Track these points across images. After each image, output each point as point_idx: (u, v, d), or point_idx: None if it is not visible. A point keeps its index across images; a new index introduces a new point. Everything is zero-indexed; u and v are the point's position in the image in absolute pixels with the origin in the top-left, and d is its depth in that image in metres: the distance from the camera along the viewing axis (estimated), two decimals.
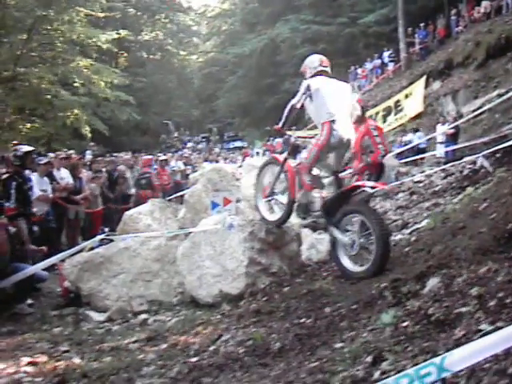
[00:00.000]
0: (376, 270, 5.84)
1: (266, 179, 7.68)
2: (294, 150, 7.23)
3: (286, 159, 7.14)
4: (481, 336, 3.16)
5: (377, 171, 8.51)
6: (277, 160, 7.43)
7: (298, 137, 7.38)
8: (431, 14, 29.48)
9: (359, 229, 6.33)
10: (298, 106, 6.70)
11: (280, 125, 6.95)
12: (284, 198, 7.20)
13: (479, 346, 2.42)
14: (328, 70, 6.99)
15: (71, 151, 16.52)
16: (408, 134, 20.96)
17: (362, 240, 6.19)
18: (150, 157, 17.93)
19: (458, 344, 3.15)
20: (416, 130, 20.96)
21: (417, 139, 19.13)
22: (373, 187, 6.56)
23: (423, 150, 18.67)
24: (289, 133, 7.26)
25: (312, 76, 6.84)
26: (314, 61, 7.02)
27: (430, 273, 4.71)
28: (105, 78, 26.68)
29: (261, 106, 43.38)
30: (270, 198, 7.52)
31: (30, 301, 8.56)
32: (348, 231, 6.41)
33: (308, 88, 6.60)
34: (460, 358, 2.39)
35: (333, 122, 6.38)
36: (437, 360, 2.40)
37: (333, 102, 6.50)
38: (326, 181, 7.09)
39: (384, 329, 4.07)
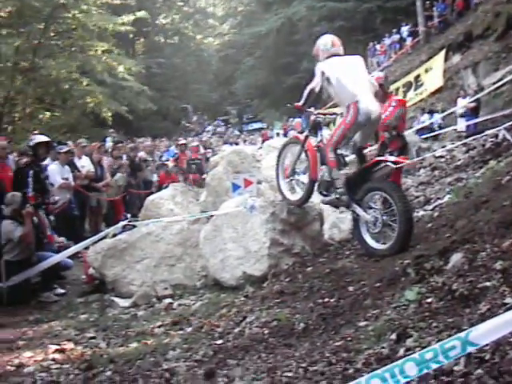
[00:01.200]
0: (399, 248, 5.81)
1: (287, 159, 7.64)
2: (315, 127, 7.15)
3: (306, 138, 7.09)
4: (506, 310, 3.14)
5: (399, 146, 8.40)
6: (298, 139, 7.38)
7: (319, 113, 7.28)
8: None
9: (382, 206, 6.29)
10: (317, 89, 6.65)
11: (300, 103, 6.90)
12: (305, 178, 7.16)
13: (504, 319, 2.39)
14: (341, 50, 6.88)
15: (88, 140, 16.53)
16: (424, 115, 20.65)
17: (385, 217, 6.14)
18: (196, 143, 17.99)
19: (483, 319, 3.12)
20: (430, 112, 20.68)
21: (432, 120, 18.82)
22: (395, 162, 6.49)
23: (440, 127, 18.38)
24: (309, 110, 7.18)
25: (325, 58, 6.75)
26: (326, 43, 6.91)
27: (453, 248, 4.68)
28: (122, 65, 26.70)
29: (279, 87, 43.12)
30: (291, 178, 7.48)
31: (60, 290, 8.67)
32: (371, 208, 6.37)
33: (323, 73, 6.53)
34: (485, 332, 2.36)
35: (357, 102, 6.31)
36: (462, 334, 2.37)
37: (353, 82, 6.41)
38: (348, 158, 7.05)
39: (408, 306, 4.05)
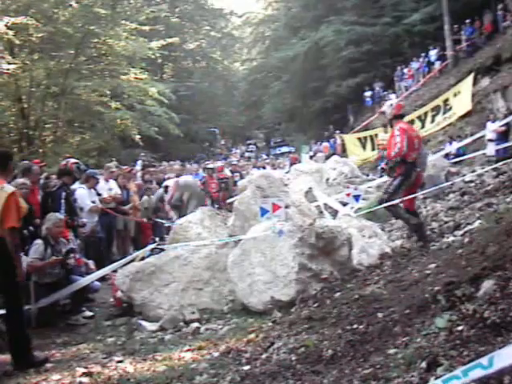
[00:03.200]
0: None
1: None
2: None
3: None
4: None
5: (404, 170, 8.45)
6: None
7: None
8: (477, 9, 28.89)
9: None
10: None
11: None
12: None
13: None
14: None
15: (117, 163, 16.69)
16: (446, 145, 20.47)
17: None
18: (221, 163, 18.04)
19: None
20: (451, 140, 20.56)
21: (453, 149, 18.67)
22: None
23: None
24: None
25: None
26: None
27: (484, 275, 4.61)
28: (154, 87, 27.00)
29: (306, 111, 43.23)
30: None
31: (88, 313, 8.71)
32: None
33: None
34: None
35: None
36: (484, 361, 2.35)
37: None
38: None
39: (438, 333, 4.00)
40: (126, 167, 14.35)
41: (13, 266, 6.19)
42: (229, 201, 13.44)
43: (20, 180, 8.98)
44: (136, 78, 26.12)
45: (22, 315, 6.41)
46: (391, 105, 8.75)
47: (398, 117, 8.75)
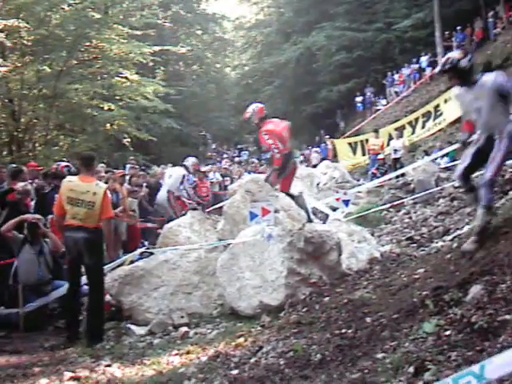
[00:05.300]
0: None
1: None
2: None
3: None
4: None
5: None
6: None
7: None
8: (468, 16, 29.05)
9: None
10: None
11: None
12: None
13: None
14: None
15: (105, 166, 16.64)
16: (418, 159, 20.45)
17: None
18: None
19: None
20: (426, 154, 20.62)
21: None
22: None
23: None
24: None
25: None
26: None
27: (472, 280, 4.62)
28: (148, 89, 26.95)
29: (298, 115, 43.18)
30: None
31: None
32: None
33: None
34: (500, 365, 2.32)
35: None
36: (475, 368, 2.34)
37: None
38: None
39: (426, 338, 4.01)
40: (119, 171, 14.26)
41: (102, 254, 7.73)
42: (218, 205, 13.43)
43: (24, 186, 9.04)
44: (127, 79, 26.07)
45: (103, 293, 7.69)
46: (253, 110, 8.91)
47: (263, 118, 8.90)
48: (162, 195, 13.13)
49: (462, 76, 6.21)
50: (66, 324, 7.70)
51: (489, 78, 6.03)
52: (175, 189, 12.88)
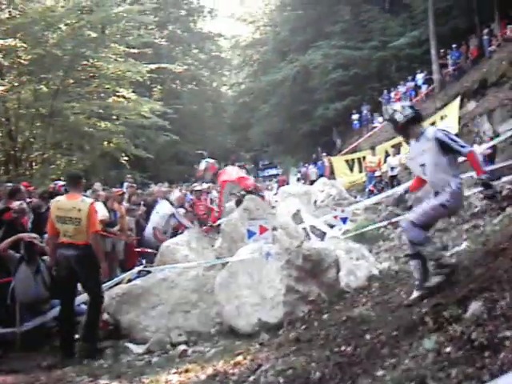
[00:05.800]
0: None
1: None
2: None
3: None
4: None
5: None
6: None
7: None
8: (463, 34, 29.26)
9: None
10: None
11: None
12: None
13: None
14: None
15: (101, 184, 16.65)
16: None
17: None
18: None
19: (503, 369, 3.06)
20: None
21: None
22: None
23: None
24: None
25: None
26: None
27: (471, 296, 4.62)
28: (145, 107, 27.02)
29: (294, 133, 43.33)
30: None
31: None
32: None
33: None
34: None
35: None
36: None
37: None
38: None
39: (426, 355, 3.99)
40: (118, 190, 14.24)
41: (97, 269, 7.74)
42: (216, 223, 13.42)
43: (20, 205, 9.02)
44: (124, 98, 26.17)
45: (100, 310, 7.88)
46: (205, 168, 9.27)
47: (215, 174, 9.23)
48: (148, 232, 13.22)
49: (397, 129, 6.10)
50: (59, 344, 7.73)
51: (430, 131, 5.87)
52: (161, 226, 12.98)
